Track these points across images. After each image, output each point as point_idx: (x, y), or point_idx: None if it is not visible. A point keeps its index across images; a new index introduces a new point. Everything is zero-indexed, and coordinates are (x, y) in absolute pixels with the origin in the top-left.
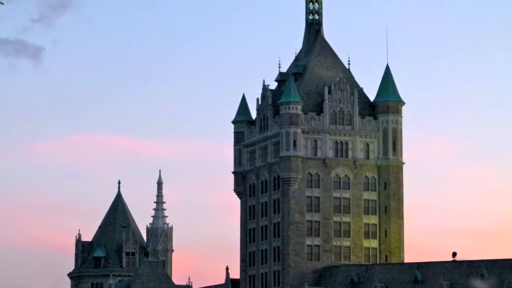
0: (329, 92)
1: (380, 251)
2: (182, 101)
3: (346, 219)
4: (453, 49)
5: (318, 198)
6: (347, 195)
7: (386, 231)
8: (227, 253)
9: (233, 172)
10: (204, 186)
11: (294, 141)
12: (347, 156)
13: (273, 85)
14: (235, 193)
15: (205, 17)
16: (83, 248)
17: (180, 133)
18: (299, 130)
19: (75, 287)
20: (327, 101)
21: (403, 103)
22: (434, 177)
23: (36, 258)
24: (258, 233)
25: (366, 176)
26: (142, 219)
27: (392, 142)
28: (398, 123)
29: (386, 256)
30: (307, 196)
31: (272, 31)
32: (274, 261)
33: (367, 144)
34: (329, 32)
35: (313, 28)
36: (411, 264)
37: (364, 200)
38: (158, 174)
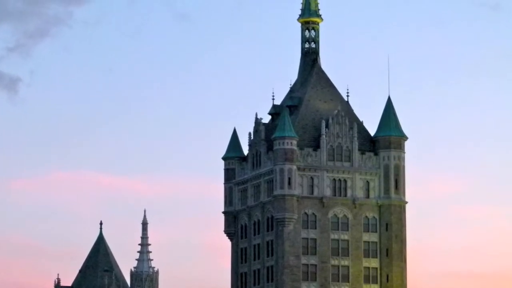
0: (327, 126)
1: None
2: (169, 135)
3: (344, 262)
4: (459, 80)
5: (315, 240)
6: (346, 237)
7: (387, 276)
8: None
9: (223, 212)
10: (192, 227)
11: (289, 178)
12: (345, 195)
13: (266, 119)
14: (225, 235)
15: (193, 46)
16: None
17: (166, 170)
18: (294, 167)
19: None
20: (324, 136)
21: (406, 138)
22: (439, 217)
23: None
24: (250, 278)
25: (366, 216)
26: (126, 263)
27: (394, 179)
28: (401, 159)
29: None
30: (302, 238)
31: (265, 61)
32: None
33: (367, 182)
34: (326, 62)
35: (309, 57)
36: None
37: (364, 242)
38: (143, 214)
